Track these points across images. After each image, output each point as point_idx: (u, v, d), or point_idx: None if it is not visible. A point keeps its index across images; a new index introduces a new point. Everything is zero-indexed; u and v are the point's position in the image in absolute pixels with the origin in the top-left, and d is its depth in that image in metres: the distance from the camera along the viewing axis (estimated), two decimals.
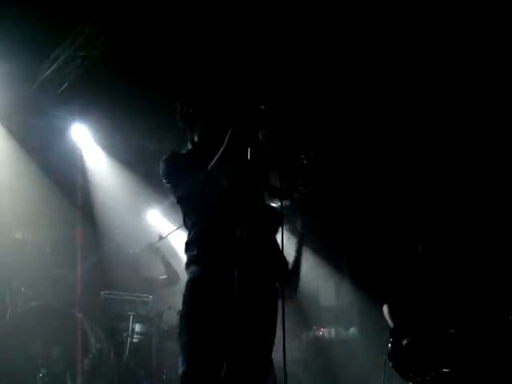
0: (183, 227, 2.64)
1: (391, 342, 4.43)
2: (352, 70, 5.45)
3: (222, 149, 2.35)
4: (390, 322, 4.57)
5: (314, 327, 7.23)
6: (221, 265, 2.37)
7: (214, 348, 2.25)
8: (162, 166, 2.56)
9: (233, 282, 2.26)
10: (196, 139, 2.64)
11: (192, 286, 2.42)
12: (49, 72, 5.73)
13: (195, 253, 2.45)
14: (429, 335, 4.21)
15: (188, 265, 2.48)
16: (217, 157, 2.34)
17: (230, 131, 2.37)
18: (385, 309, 4.66)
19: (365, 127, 6.38)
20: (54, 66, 5.64)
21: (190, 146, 2.64)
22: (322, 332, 7.07)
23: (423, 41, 4.96)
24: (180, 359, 2.31)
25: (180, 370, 2.29)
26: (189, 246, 2.50)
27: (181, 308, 2.44)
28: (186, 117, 2.64)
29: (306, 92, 5.73)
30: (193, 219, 2.52)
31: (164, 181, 2.56)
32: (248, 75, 5.28)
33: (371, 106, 5.97)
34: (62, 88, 5.89)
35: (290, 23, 4.88)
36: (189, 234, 2.54)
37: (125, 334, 5.70)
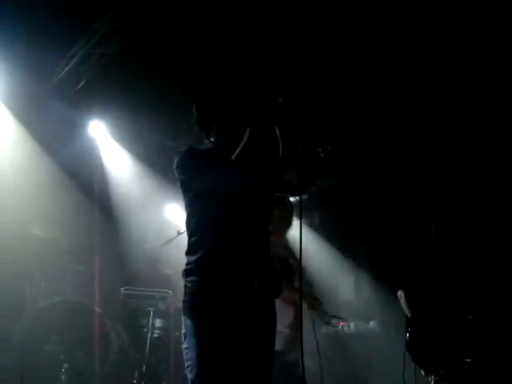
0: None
1: (409, 332, 4.17)
2: (367, 63, 5.40)
3: (242, 142, 2.31)
4: (406, 309, 4.28)
5: (333, 321, 7.20)
6: (225, 276, 2.33)
7: (224, 360, 2.25)
8: (179, 157, 2.47)
9: (236, 294, 2.31)
10: (213, 140, 2.56)
11: (197, 298, 2.35)
12: (66, 70, 5.77)
13: (198, 260, 2.38)
14: (448, 323, 3.99)
15: (188, 272, 2.40)
16: (238, 149, 2.30)
17: (248, 130, 2.32)
18: (401, 295, 4.35)
19: (379, 119, 6.33)
20: (72, 63, 5.68)
21: (208, 145, 2.57)
22: (342, 326, 7.04)
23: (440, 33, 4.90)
24: (189, 367, 2.28)
25: (191, 377, 2.27)
26: (191, 252, 2.43)
27: (184, 316, 2.37)
28: (202, 120, 2.56)
29: (322, 85, 5.69)
30: (199, 220, 2.44)
31: (179, 172, 2.46)
32: (265, 69, 5.26)
33: (386, 97, 5.91)
34: (80, 85, 5.93)
35: (308, 16, 4.84)
36: (190, 239, 2.46)
37: (145, 330, 5.74)
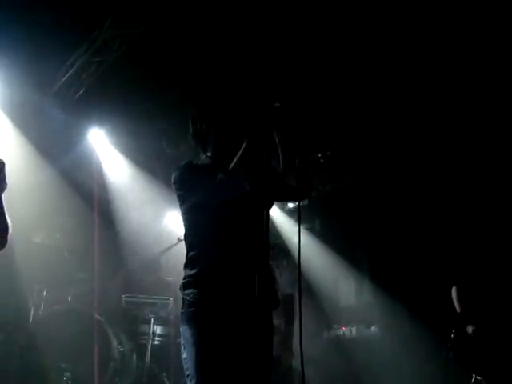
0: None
1: (454, 330, 4.06)
2: (366, 67, 5.40)
3: (240, 152, 2.31)
4: (456, 305, 4.18)
5: (335, 326, 7.20)
6: (224, 287, 2.34)
7: (223, 370, 2.26)
8: (177, 172, 2.49)
9: (236, 304, 2.32)
10: (210, 155, 2.56)
11: (196, 309, 2.35)
12: (65, 78, 5.78)
13: (196, 273, 2.38)
14: (497, 322, 3.87)
15: (186, 286, 2.40)
16: (236, 159, 2.31)
17: (245, 141, 2.32)
18: (453, 292, 4.24)
19: (379, 124, 6.32)
20: (71, 71, 5.69)
21: (205, 160, 2.56)
22: (343, 331, 7.03)
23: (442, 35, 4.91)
24: (189, 376, 2.28)
25: None
26: (189, 266, 2.43)
27: (182, 326, 2.38)
28: (199, 135, 2.57)
29: (321, 89, 5.69)
30: (196, 235, 2.45)
31: (176, 187, 2.48)
32: (261, 73, 5.27)
33: (386, 103, 5.92)
34: (79, 93, 5.94)
35: (305, 20, 4.85)
36: (188, 252, 2.46)
37: (146, 337, 5.74)
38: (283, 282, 3.83)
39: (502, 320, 3.87)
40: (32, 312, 5.51)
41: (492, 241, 4.31)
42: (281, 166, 2.52)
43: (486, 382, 3.85)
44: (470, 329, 3.97)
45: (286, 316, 3.81)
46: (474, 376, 3.93)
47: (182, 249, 2.57)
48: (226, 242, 2.40)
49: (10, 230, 2.07)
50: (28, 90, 5.69)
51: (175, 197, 2.53)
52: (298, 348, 2.18)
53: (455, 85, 5.45)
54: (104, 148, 6.93)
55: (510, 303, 3.91)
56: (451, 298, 4.28)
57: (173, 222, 7.57)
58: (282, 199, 2.68)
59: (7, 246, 2.62)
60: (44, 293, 5.62)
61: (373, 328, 6.94)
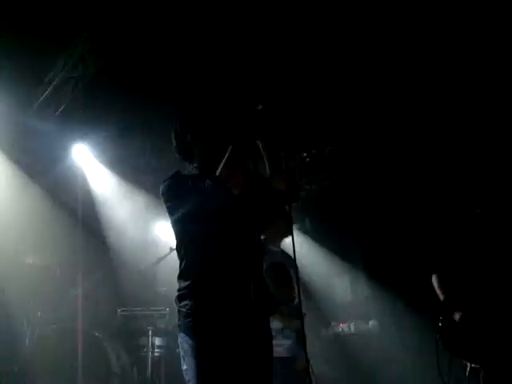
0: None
1: (441, 319, 3.97)
2: (350, 65, 5.42)
3: (225, 159, 2.29)
4: (440, 294, 4.08)
5: (333, 323, 7.22)
6: (220, 295, 2.33)
7: (224, 377, 2.25)
8: (165, 184, 2.47)
9: (233, 311, 2.31)
10: (196, 165, 2.55)
11: (193, 320, 2.33)
12: (44, 96, 5.74)
13: (190, 284, 2.36)
14: (484, 308, 3.77)
15: (181, 297, 2.39)
16: (221, 165, 2.29)
17: (230, 148, 2.30)
18: (434, 280, 4.15)
19: (364, 119, 6.35)
20: (49, 89, 5.65)
21: (192, 171, 2.55)
22: (342, 327, 7.05)
23: (420, 39, 4.93)
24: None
25: None
26: (183, 277, 2.42)
27: (180, 339, 2.37)
28: (183, 147, 2.57)
29: (303, 87, 5.69)
30: (188, 245, 2.43)
31: (165, 198, 2.47)
32: (242, 77, 5.26)
33: (369, 98, 5.94)
34: (59, 110, 5.91)
35: (286, 19, 4.84)
36: (181, 264, 2.44)
37: (145, 349, 5.71)
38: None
39: (489, 305, 3.80)
40: (28, 334, 5.46)
41: (472, 228, 4.24)
42: (267, 171, 2.52)
43: (484, 370, 3.80)
44: (456, 316, 3.89)
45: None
46: (468, 365, 3.88)
47: (175, 259, 2.56)
48: (218, 251, 2.38)
49: None
50: (7, 109, 5.64)
51: (164, 208, 2.52)
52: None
53: (440, 79, 5.48)
54: (88, 162, 6.90)
55: (495, 287, 3.84)
56: (433, 287, 4.18)
57: (163, 232, 7.56)
58: (271, 204, 2.67)
59: None
60: (39, 313, 5.58)
61: (371, 322, 6.97)
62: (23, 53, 4.98)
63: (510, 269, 3.87)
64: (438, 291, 4.11)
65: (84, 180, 6.91)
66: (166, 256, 5.92)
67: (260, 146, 2.46)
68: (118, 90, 5.68)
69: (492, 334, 3.73)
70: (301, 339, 3.74)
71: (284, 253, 4.15)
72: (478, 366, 3.83)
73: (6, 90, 5.36)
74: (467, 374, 3.89)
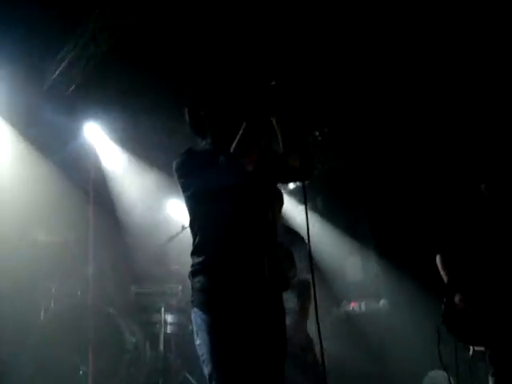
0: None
1: (444, 301, 3.86)
2: (366, 41, 5.32)
3: (239, 135, 2.29)
4: (443, 275, 3.97)
5: (344, 302, 7.25)
6: (234, 270, 2.34)
7: (238, 352, 2.27)
8: (178, 160, 2.49)
9: (247, 286, 2.33)
10: (210, 141, 2.55)
11: (206, 295, 2.36)
12: (56, 74, 5.74)
13: (204, 260, 2.39)
14: (487, 290, 3.67)
15: (195, 273, 2.41)
16: (235, 142, 2.29)
17: (244, 123, 2.29)
18: (438, 260, 4.02)
19: (376, 98, 6.28)
20: (61, 67, 5.65)
21: (205, 147, 2.56)
22: (353, 307, 7.08)
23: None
24: (204, 362, 2.30)
25: (207, 371, 2.29)
26: (196, 253, 2.44)
27: (194, 314, 2.39)
28: (197, 123, 2.57)
29: (315, 65, 5.62)
30: (201, 222, 2.45)
31: (178, 174, 2.48)
32: (254, 55, 5.21)
33: (381, 75, 5.85)
34: (72, 88, 5.91)
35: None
36: (195, 240, 2.46)
37: (158, 326, 5.78)
38: (301, 267, 3.86)
39: (494, 285, 3.69)
40: (43, 310, 5.54)
41: (476, 204, 4.12)
42: (281, 147, 2.51)
43: (490, 352, 3.71)
44: (457, 298, 3.80)
45: (302, 300, 3.83)
46: (471, 348, 3.85)
47: (187, 237, 2.57)
48: (232, 227, 2.40)
49: None
50: (20, 88, 5.65)
51: (177, 185, 2.53)
52: (312, 330, 2.20)
53: (445, 60, 5.40)
54: (100, 141, 6.92)
55: (500, 267, 3.71)
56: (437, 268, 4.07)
57: (176, 210, 7.59)
58: (286, 180, 2.68)
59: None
60: (53, 290, 5.65)
61: (382, 302, 6.98)
62: (34, 32, 4.96)
63: None
64: (442, 272, 4.00)
65: (96, 158, 6.94)
66: (178, 234, 5.96)
67: (274, 123, 2.45)
68: (129, 68, 5.66)
69: (498, 315, 3.63)
70: (299, 320, 3.77)
71: (288, 229, 4.13)
72: (482, 349, 3.77)
73: (18, 68, 5.37)
74: (470, 356, 3.88)
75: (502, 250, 3.75)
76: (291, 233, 4.06)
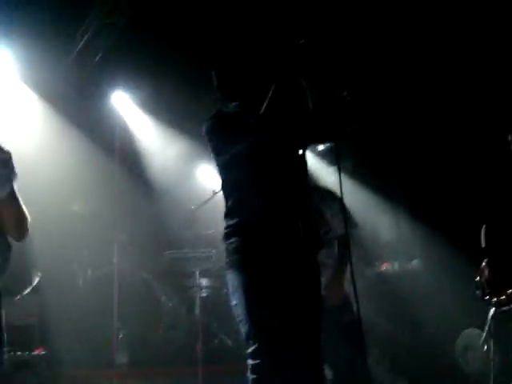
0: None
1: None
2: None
3: (269, 96, 2.28)
4: (482, 242, 3.98)
5: (376, 263, 7.23)
6: (269, 230, 2.35)
7: (274, 310, 2.30)
8: (208, 123, 2.48)
9: (282, 246, 2.34)
10: (238, 103, 2.53)
11: (241, 255, 2.37)
12: (82, 44, 5.74)
13: (238, 221, 2.40)
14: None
15: (229, 234, 2.43)
16: (266, 103, 2.27)
17: (273, 86, 2.28)
18: (483, 229, 4.02)
19: (407, 61, 6.08)
20: (86, 37, 5.64)
21: (234, 109, 2.54)
22: (385, 267, 7.07)
23: None
24: (241, 321, 2.33)
25: (244, 330, 2.32)
26: (229, 215, 2.45)
27: (229, 275, 2.42)
28: (225, 85, 2.54)
29: (345, 22, 5.46)
30: (234, 184, 2.46)
31: (209, 138, 2.47)
32: (283, 12, 5.09)
33: (417, 39, 5.66)
34: (98, 57, 5.91)
35: None
36: (227, 202, 2.47)
37: (193, 290, 5.87)
38: (335, 223, 3.81)
39: None
40: (81, 278, 5.68)
41: None
42: (311, 107, 2.48)
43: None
44: (483, 263, 3.82)
45: (340, 257, 3.80)
46: (492, 309, 3.79)
47: (218, 202, 2.58)
48: (265, 189, 2.40)
49: (29, 219, 2.09)
50: (47, 59, 5.67)
51: (206, 150, 2.53)
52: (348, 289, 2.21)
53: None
54: (129, 109, 6.95)
55: None
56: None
57: (206, 176, 7.62)
58: (317, 141, 2.66)
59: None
60: (89, 258, 5.78)
61: (414, 261, 6.95)
62: (59, 3, 4.95)
63: None
64: (482, 239, 4.00)
65: (125, 127, 6.97)
66: (209, 199, 5.99)
67: (303, 83, 2.42)
68: (154, 35, 5.61)
69: None
70: (336, 277, 3.76)
71: (317, 187, 4.08)
72: (506, 308, 3.71)
73: (44, 38, 5.38)
74: (489, 317, 3.82)
75: None
76: (320, 190, 4.02)
